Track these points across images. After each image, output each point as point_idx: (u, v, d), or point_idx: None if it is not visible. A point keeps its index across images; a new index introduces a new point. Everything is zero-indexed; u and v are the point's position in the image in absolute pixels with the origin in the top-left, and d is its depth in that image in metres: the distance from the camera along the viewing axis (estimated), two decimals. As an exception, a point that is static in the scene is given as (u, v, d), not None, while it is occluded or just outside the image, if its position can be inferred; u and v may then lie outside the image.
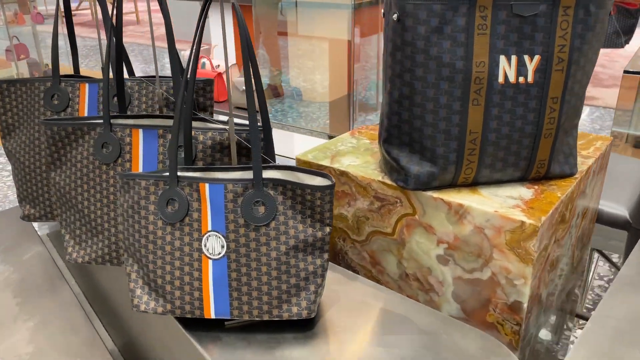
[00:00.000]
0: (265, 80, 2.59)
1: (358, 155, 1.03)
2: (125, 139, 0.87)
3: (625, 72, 2.01)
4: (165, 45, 6.61)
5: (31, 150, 1.04)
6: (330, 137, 2.38)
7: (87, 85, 1.02)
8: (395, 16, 0.81)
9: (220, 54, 2.73)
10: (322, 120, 2.53)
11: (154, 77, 1.02)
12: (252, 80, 0.73)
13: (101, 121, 0.88)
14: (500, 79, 0.81)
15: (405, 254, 0.94)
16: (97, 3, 1.04)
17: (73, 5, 9.11)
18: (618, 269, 1.83)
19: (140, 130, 0.87)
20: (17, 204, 1.51)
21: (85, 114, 1.02)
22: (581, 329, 1.65)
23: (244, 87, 2.52)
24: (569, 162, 0.91)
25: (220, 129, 0.85)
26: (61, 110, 1.02)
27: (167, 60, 5.91)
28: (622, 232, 1.41)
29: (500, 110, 0.82)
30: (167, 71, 5.44)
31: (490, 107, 0.82)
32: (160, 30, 7.23)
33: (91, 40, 6.69)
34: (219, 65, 2.54)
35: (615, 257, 2.06)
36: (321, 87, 2.59)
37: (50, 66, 4.41)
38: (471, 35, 0.79)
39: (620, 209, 1.27)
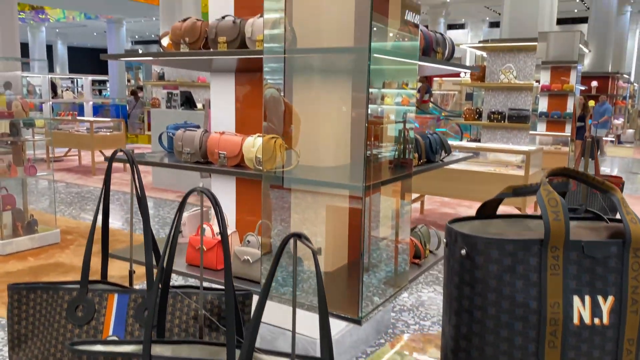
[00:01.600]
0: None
1: (408, 381, 0.95)
2: (164, 374, 0.78)
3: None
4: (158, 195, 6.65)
5: (43, 368, 0.93)
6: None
7: (116, 296, 0.95)
8: (463, 252, 0.79)
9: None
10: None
11: (192, 287, 0.95)
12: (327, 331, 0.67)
13: (138, 350, 0.79)
14: (575, 321, 0.77)
15: None
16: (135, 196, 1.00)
17: (61, 152, 9.29)
18: None
19: (183, 365, 0.78)
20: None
21: (111, 329, 0.93)
22: None
23: (246, 257, 2.42)
24: (643, 401, 0.84)
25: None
26: (84, 324, 0.93)
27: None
28: None
29: (577, 353, 0.77)
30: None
31: (566, 350, 0.77)
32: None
33: (76, 187, 6.71)
34: (220, 232, 2.50)
35: None
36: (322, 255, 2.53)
37: (34, 216, 4.29)
38: (544, 276, 0.76)
39: None
